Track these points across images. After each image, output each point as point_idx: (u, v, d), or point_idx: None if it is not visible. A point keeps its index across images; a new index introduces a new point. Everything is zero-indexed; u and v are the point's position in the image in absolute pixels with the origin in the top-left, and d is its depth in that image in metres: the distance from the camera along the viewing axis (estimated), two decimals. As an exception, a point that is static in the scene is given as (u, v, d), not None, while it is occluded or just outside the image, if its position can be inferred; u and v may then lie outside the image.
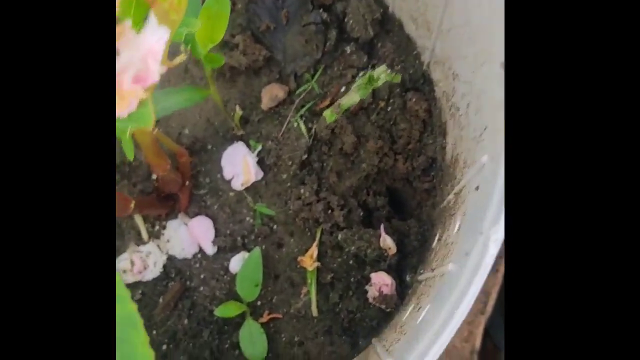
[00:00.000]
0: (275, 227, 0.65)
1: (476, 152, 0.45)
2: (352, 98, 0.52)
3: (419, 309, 0.45)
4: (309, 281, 0.63)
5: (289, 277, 0.64)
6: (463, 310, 0.34)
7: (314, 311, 0.63)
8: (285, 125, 0.64)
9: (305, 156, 0.62)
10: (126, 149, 0.45)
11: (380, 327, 0.62)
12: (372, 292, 0.61)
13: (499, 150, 0.37)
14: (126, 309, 0.28)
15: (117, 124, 0.28)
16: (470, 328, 0.88)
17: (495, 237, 0.32)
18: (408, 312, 0.51)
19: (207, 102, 0.66)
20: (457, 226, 0.45)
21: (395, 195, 0.66)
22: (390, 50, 0.64)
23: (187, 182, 0.63)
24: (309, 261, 0.62)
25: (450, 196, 0.56)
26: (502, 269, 0.88)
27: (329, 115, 0.54)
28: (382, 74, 0.49)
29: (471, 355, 0.88)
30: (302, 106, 0.64)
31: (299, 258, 0.63)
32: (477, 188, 0.39)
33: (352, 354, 0.62)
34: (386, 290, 0.60)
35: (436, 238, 0.58)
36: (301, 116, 0.63)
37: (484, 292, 0.88)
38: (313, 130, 0.62)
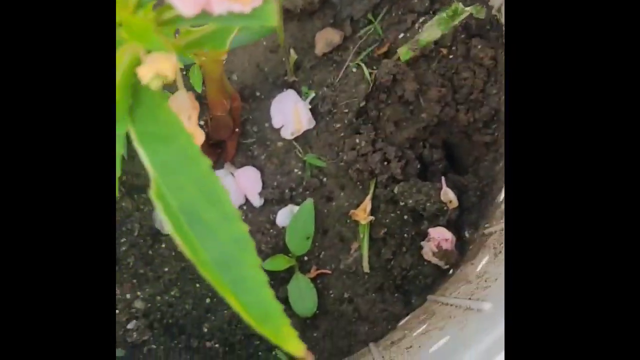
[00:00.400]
0: (325, 179, 0.62)
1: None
2: (432, 33, 0.49)
3: (498, 253, 0.42)
4: (361, 236, 0.60)
5: (339, 232, 0.61)
6: None
7: (365, 267, 0.60)
8: (342, 71, 0.60)
9: (363, 103, 0.59)
10: (194, 80, 0.42)
11: (435, 285, 0.60)
12: (428, 248, 0.58)
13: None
14: (237, 230, 0.24)
15: (240, 21, 0.24)
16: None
17: None
18: (483, 263, 0.48)
19: (257, 46, 0.63)
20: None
21: (451, 150, 0.63)
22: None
23: (237, 129, 0.59)
24: (362, 214, 0.59)
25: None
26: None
27: (404, 53, 0.50)
28: (465, 8, 0.46)
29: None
30: (361, 51, 0.61)
31: (351, 212, 0.60)
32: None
33: (404, 313, 0.59)
34: (446, 246, 0.57)
35: (503, 191, 0.55)
36: (361, 60, 0.60)
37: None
38: (372, 76, 0.59)
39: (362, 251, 0.60)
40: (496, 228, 0.50)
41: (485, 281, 0.42)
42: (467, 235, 0.60)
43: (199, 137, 0.29)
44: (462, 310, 0.41)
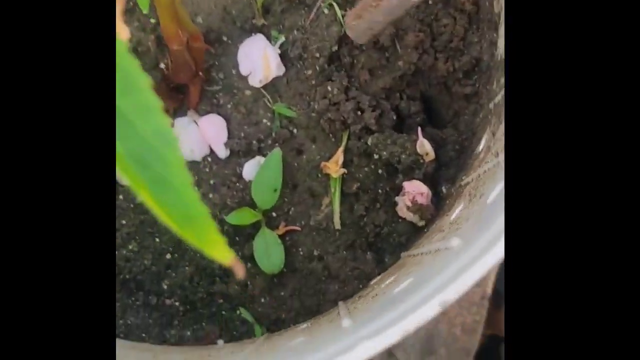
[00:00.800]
0: (295, 130, 0.58)
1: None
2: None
3: (481, 195, 0.39)
4: (332, 190, 0.57)
5: (309, 186, 0.58)
6: None
7: (337, 224, 0.57)
8: (314, 12, 0.56)
9: (336, 48, 0.55)
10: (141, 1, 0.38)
11: (410, 243, 0.56)
12: (403, 203, 0.55)
13: None
14: (158, 122, 0.21)
15: None
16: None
17: None
18: (459, 209, 0.44)
19: (223, -12, 0.59)
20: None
21: (429, 103, 0.60)
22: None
23: (199, 73, 0.55)
24: (334, 167, 0.56)
25: (499, 98, 0.50)
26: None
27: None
28: None
29: (481, 301, 0.83)
30: (334, -9, 0.57)
31: (323, 164, 0.56)
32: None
33: (376, 271, 0.56)
34: (421, 200, 0.54)
35: (482, 142, 0.52)
36: (333, 0, 0.56)
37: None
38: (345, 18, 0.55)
39: (334, 207, 0.57)
40: (473, 177, 0.47)
41: (457, 224, 0.39)
42: (444, 190, 0.56)
43: (123, 33, 0.26)
44: (431, 255, 0.38)
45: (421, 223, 0.55)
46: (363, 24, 0.48)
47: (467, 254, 0.29)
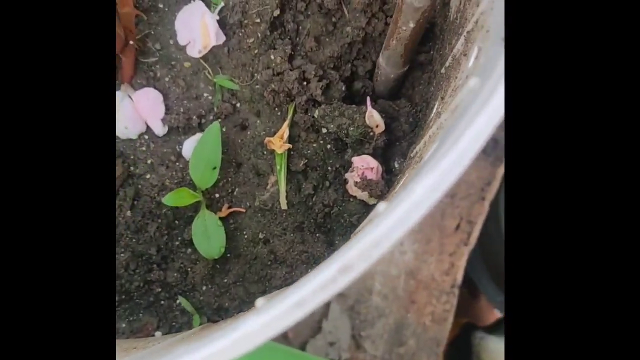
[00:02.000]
0: (238, 104, 0.54)
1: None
2: None
3: (419, 160, 0.35)
4: (278, 168, 0.53)
5: (254, 164, 0.54)
6: (488, 121, 0.24)
7: (283, 204, 0.53)
8: (253, -27, 0.52)
9: (277, 12, 0.51)
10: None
11: (360, 223, 0.52)
12: (352, 179, 0.51)
13: None
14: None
15: None
16: (451, 260, 0.80)
17: None
18: (402, 181, 0.41)
19: (158, -50, 0.54)
20: (470, 62, 0.35)
21: (382, 73, 0.56)
22: None
23: (131, 42, 0.51)
24: (279, 142, 0.52)
25: (450, 60, 0.46)
26: (488, 196, 0.79)
27: None
28: None
29: (452, 289, 0.79)
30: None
31: (267, 139, 0.52)
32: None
33: (326, 254, 0.52)
34: (370, 175, 0.50)
35: (434, 110, 0.48)
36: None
37: (469, 221, 0.79)
38: (287, -20, 0.51)
39: (280, 186, 0.53)
40: (419, 146, 0.43)
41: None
42: (396, 165, 0.52)
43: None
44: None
45: (372, 201, 0.51)
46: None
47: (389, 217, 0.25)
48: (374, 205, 0.52)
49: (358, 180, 0.50)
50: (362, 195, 0.51)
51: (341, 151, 0.53)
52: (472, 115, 0.25)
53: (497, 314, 1.03)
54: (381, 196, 0.50)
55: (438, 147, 0.29)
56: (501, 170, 0.78)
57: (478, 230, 0.77)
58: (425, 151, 0.36)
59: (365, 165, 0.50)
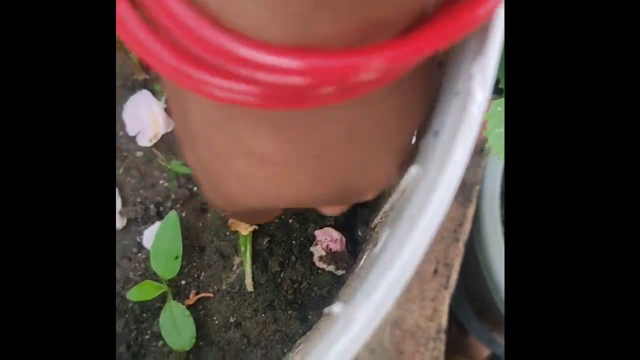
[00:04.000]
0: (195, 188, 0.54)
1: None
2: None
3: (374, 245, 0.35)
4: (243, 249, 0.52)
5: (217, 247, 0.53)
6: (436, 210, 0.24)
7: (249, 286, 0.52)
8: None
9: (224, 95, 0.51)
10: None
11: (333, 296, 0.52)
12: (318, 252, 0.50)
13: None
14: None
15: None
16: (434, 305, 0.79)
17: (480, 76, 0.21)
18: (363, 259, 0.40)
19: (100, 44, 0.54)
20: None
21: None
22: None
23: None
24: (243, 224, 0.51)
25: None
26: (462, 237, 0.79)
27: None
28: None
29: (438, 335, 0.79)
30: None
31: (230, 221, 0.52)
32: (440, 64, 0.29)
33: (301, 330, 0.51)
34: (335, 247, 0.49)
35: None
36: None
37: (446, 264, 0.79)
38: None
39: (245, 267, 0.52)
40: (377, 219, 0.43)
41: (354, 279, 0.35)
42: (360, 234, 0.52)
43: None
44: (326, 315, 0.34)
45: (340, 272, 0.50)
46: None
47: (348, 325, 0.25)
48: (342, 276, 0.51)
49: (323, 253, 0.49)
50: (326, 266, 0.50)
51: (303, 224, 0.52)
52: (419, 207, 0.25)
53: (485, 351, 1.02)
54: (347, 268, 0.50)
55: (390, 236, 0.28)
56: (471, 210, 0.78)
57: (456, 272, 0.77)
58: (381, 229, 0.35)
59: (328, 238, 0.49)
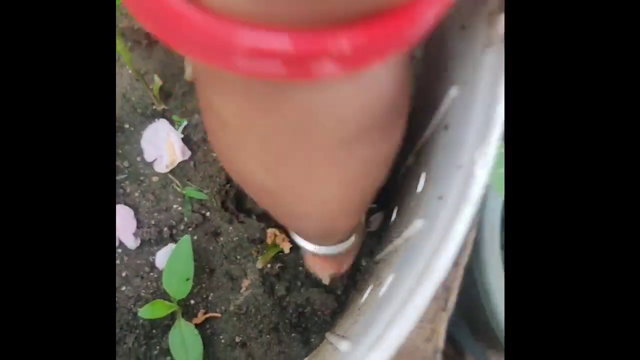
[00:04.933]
0: (208, 213, 0.57)
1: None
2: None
3: (379, 284, 0.37)
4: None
5: (227, 270, 0.56)
6: (437, 273, 0.26)
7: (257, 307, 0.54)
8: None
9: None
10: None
11: (335, 320, 0.54)
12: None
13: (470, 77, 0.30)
14: None
15: None
16: (432, 326, 0.81)
17: (482, 161, 0.24)
18: (367, 294, 0.43)
19: (121, 76, 0.57)
20: (420, 184, 0.38)
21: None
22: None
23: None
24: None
25: (410, 158, 0.49)
26: (462, 261, 0.81)
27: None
28: None
29: (435, 355, 0.81)
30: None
31: (269, 231, 0.54)
32: (446, 127, 0.32)
33: (304, 353, 0.54)
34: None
35: (395, 211, 0.50)
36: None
37: (445, 287, 0.81)
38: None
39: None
40: (382, 255, 0.46)
41: (359, 314, 0.37)
42: (363, 264, 0.55)
43: None
44: (332, 347, 0.36)
45: (338, 293, 0.53)
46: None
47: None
48: (345, 297, 0.54)
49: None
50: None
51: (309, 251, 0.55)
52: (426, 264, 0.27)
53: (483, 374, 1.04)
54: (344, 293, 0.52)
55: (396, 282, 0.31)
56: (472, 235, 0.80)
57: (455, 295, 0.79)
58: (385, 268, 0.38)
59: (331, 265, 0.52)
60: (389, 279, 0.34)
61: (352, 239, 0.46)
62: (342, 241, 0.44)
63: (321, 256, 0.47)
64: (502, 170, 0.51)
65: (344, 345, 0.30)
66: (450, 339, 1.02)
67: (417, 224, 0.31)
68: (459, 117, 0.27)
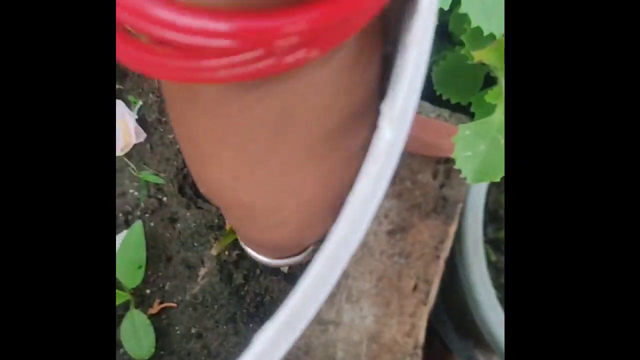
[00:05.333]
0: (165, 198, 0.54)
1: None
2: None
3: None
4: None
5: (184, 258, 0.54)
6: (336, 248, 0.24)
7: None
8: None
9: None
10: None
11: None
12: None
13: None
14: None
15: None
16: (412, 321, 0.79)
17: (387, 111, 0.21)
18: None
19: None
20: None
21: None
22: None
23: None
24: None
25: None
26: (443, 254, 0.79)
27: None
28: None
29: (415, 350, 0.78)
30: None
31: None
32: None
33: (261, 345, 0.52)
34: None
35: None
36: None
37: (426, 280, 0.79)
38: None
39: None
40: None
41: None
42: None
43: None
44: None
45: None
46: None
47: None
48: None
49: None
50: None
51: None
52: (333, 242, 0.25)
53: (471, 369, 1.02)
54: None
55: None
56: (453, 227, 0.78)
57: (436, 288, 0.77)
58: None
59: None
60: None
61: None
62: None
63: None
64: (470, 153, 0.48)
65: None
66: (437, 334, 0.99)
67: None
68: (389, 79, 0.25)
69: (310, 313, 0.22)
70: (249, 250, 0.41)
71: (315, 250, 0.35)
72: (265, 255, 0.40)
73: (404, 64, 0.22)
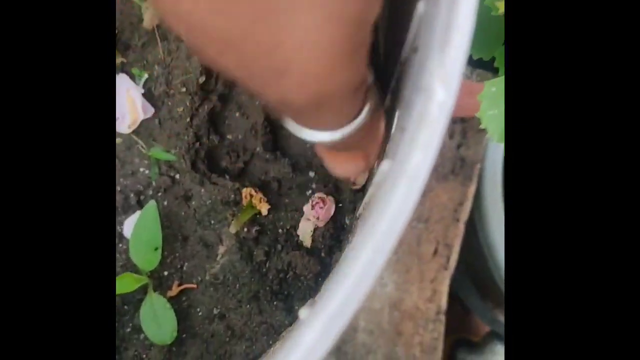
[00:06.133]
0: (177, 176, 0.52)
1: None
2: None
3: (351, 240, 0.33)
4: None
5: (201, 236, 0.51)
6: (397, 211, 0.21)
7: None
8: (173, 42, 0.50)
9: (204, 78, 0.49)
10: None
11: (319, 285, 0.50)
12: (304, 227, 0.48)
13: None
14: None
15: None
16: (433, 286, 0.77)
17: (440, 73, 0.18)
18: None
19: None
20: (394, 123, 0.32)
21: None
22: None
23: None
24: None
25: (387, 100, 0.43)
26: (462, 217, 0.77)
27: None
28: None
29: (437, 316, 0.77)
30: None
31: (244, 190, 0.49)
32: (415, 50, 0.26)
33: (287, 322, 0.50)
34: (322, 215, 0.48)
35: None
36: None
37: (446, 244, 0.77)
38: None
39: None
40: (362, 205, 0.41)
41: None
42: (347, 221, 0.50)
43: None
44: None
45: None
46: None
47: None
48: (330, 259, 0.49)
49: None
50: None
51: (292, 211, 0.50)
52: (381, 208, 0.22)
53: (487, 327, 1.01)
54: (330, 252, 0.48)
55: (359, 233, 0.26)
56: (472, 189, 0.76)
57: (456, 252, 0.75)
58: (360, 222, 0.33)
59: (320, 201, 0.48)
60: (357, 232, 0.29)
61: (365, 110, 0.31)
62: (349, 120, 0.30)
63: (337, 151, 0.33)
64: (497, 111, 0.45)
65: (303, 313, 0.26)
66: (457, 298, 0.98)
67: (384, 166, 0.26)
68: (425, 36, 0.22)
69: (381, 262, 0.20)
70: (288, 124, 0.33)
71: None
72: (298, 122, 0.31)
73: (452, 22, 0.19)
